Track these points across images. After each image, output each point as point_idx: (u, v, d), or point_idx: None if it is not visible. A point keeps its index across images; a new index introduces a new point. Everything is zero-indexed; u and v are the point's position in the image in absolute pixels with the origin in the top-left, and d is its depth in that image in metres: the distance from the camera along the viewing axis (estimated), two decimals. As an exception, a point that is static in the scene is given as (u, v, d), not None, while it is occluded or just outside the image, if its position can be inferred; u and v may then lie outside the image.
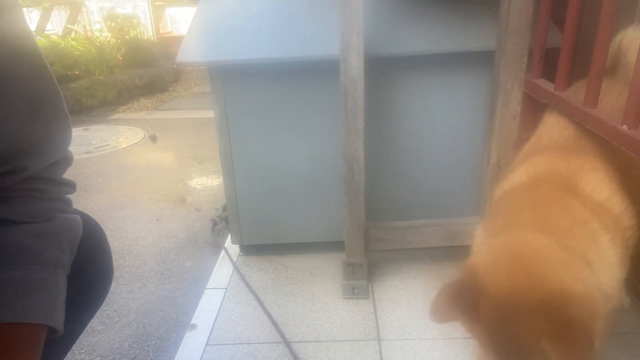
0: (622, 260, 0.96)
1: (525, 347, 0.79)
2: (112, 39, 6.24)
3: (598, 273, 0.91)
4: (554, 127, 1.31)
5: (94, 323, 1.71)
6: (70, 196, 0.82)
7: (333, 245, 1.99)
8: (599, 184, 1.04)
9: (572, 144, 1.20)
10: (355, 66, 1.47)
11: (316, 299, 1.75)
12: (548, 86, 1.43)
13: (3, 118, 0.63)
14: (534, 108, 1.51)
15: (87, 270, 0.87)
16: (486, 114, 1.71)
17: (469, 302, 0.84)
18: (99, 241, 0.92)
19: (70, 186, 0.81)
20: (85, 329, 1.68)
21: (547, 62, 1.51)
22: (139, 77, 5.81)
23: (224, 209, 2.34)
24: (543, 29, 1.47)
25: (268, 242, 2.01)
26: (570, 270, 0.85)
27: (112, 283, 1.90)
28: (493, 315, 0.82)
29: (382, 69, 1.68)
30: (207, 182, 3.00)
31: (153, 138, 4.03)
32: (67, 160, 0.79)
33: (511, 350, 0.82)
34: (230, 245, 2.10)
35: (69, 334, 0.84)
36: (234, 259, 2.04)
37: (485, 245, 0.99)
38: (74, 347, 1.59)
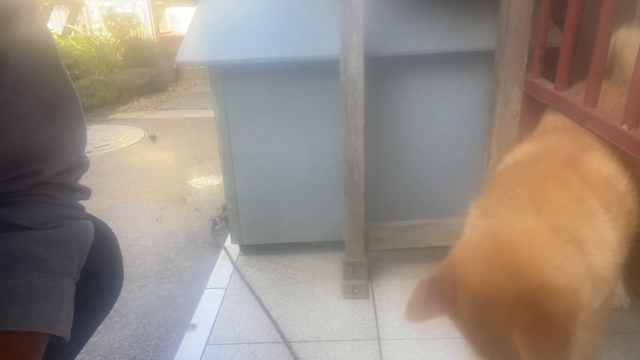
0: (621, 242, 0.91)
1: (498, 341, 0.75)
2: (111, 39, 6.25)
3: (592, 254, 0.85)
4: (558, 118, 1.31)
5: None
6: (83, 202, 0.81)
7: (333, 245, 1.99)
8: (606, 160, 1.00)
9: (579, 127, 1.19)
10: (355, 66, 1.47)
11: (316, 298, 1.75)
12: (548, 86, 1.43)
13: (17, 119, 0.62)
14: (534, 108, 1.51)
15: (97, 276, 0.87)
16: (486, 113, 1.71)
17: (447, 296, 0.81)
18: (110, 247, 0.92)
19: (84, 192, 0.80)
20: (86, 329, 1.68)
21: (547, 62, 1.51)
22: (139, 77, 5.81)
23: (224, 208, 2.34)
24: (543, 28, 1.48)
25: (268, 241, 2.01)
26: (555, 259, 0.79)
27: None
28: (469, 307, 0.79)
29: (382, 69, 1.68)
30: (207, 182, 3.00)
31: (153, 138, 4.03)
32: (82, 166, 0.78)
33: (487, 345, 0.78)
34: (230, 245, 2.10)
35: (77, 339, 0.83)
36: (234, 258, 2.04)
37: (471, 228, 0.93)
38: (74, 347, 1.59)
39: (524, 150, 1.14)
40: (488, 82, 1.68)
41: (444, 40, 1.62)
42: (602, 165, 1.00)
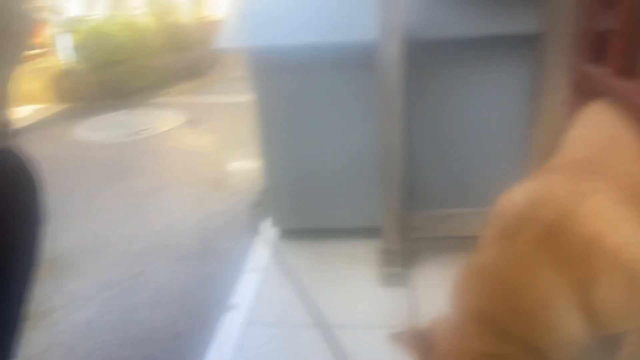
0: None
1: None
2: (153, 24, 6.36)
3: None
4: (579, 139, 1.24)
5: (142, 298, 1.79)
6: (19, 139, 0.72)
7: (371, 232, 1.98)
8: (601, 210, 0.93)
9: (589, 161, 1.12)
10: (393, 51, 1.45)
11: (352, 284, 1.77)
12: (600, 72, 1.37)
13: None
14: (582, 96, 1.46)
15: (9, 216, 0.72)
16: (529, 100, 1.66)
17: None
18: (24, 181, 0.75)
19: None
20: (135, 305, 1.75)
21: (598, 47, 1.44)
22: (179, 62, 5.92)
23: (262, 192, 2.38)
24: (594, 10, 1.41)
25: (306, 225, 2.03)
26: None
27: (157, 262, 1.94)
28: None
29: (421, 54, 1.64)
30: (246, 166, 3.05)
31: (192, 122, 4.11)
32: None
33: None
34: (269, 228, 2.14)
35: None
36: (272, 241, 2.08)
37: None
38: (123, 322, 1.67)
39: (517, 195, 1.07)
40: (531, 67, 1.62)
41: (486, 24, 1.56)
42: (596, 220, 0.91)
